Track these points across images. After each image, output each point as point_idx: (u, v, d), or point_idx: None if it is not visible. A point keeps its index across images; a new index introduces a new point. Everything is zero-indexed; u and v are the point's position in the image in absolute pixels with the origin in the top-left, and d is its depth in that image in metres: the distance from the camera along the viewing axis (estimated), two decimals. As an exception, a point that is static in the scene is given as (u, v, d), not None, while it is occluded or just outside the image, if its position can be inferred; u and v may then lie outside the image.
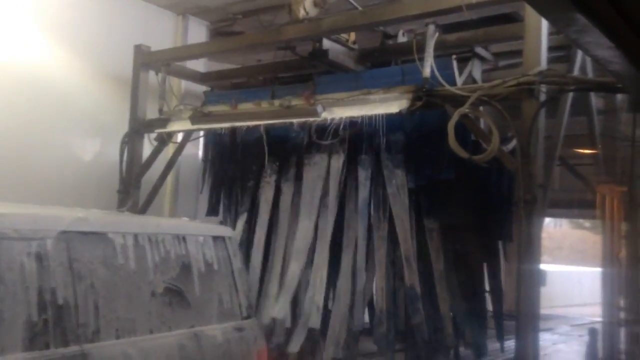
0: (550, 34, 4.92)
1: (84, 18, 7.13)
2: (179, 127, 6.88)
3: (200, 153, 8.11)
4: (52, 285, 3.14)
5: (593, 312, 11.29)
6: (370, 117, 5.46)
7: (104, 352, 3.29)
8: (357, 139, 6.19)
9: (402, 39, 6.63)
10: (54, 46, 6.85)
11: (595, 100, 6.79)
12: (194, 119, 6.59)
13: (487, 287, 6.48)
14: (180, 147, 7.35)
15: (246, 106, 6.25)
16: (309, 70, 6.80)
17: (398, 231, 5.86)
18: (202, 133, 7.50)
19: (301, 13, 5.89)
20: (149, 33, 7.77)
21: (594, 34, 2.82)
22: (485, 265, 6.33)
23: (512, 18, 6.24)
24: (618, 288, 6.94)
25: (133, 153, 7.22)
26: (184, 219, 5.38)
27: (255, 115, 6.14)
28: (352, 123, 5.75)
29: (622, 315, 6.83)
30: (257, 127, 6.27)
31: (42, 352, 3.01)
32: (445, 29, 5.56)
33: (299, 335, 6.03)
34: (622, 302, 6.92)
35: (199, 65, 8.19)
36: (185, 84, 8.25)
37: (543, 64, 4.80)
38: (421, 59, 5.24)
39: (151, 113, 7.27)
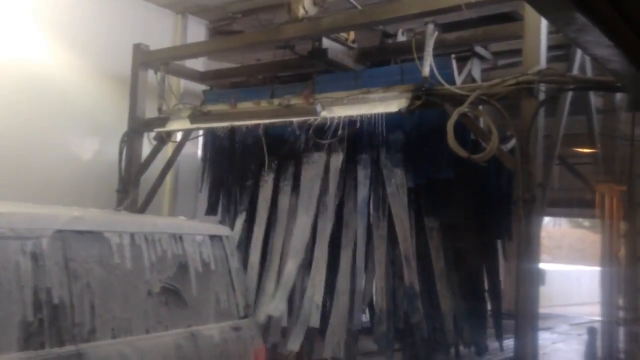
0: (549, 33, 4.92)
1: (83, 17, 7.12)
2: (178, 126, 6.88)
3: (200, 152, 8.10)
4: (48, 284, 3.12)
5: (592, 311, 11.30)
6: (369, 116, 5.46)
7: (100, 351, 3.28)
8: (357, 138, 6.19)
9: (401, 38, 6.63)
10: (53, 45, 6.85)
11: (595, 100, 6.79)
12: (193, 118, 6.58)
13: (486, 286, 6.48)
14: (180, 146, 7.35)
15: (245, 105, 6.24)
16: (308, 70, 6.80)
17: (397, 230, 5.86)
18: (201, 132, 7.50)
19: (300, 12, 5.89)
20: (148, 32, 7.76)
21: (593, 32, 2.82)
22: (484, 264, 6.33)
23: (512, 17, 6.24)
24: (617, 287, 6.95)
25: (132, 152, 7.22)
26: (181, 218, 5.36)
27: (254, 115, 6.14)
28: (351, 122, 5.75)
29: (621, 314, 6.84)
30: (256, 126, 6.27)
31: (37, 352, 2.99)
32: (445, 28, 5.56)
33: (298, 334, 6.04)
34: (621, 301, 6.92)
35: (198, 64, 8.18)
36: (184, 83, 8.25)
37: (542, 63, 4.80)
38: (420, 58, 5.23)
39: (150, 112, 7.26)
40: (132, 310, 3.54)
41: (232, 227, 6.95)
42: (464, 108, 4.82)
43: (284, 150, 6.70)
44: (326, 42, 6.04)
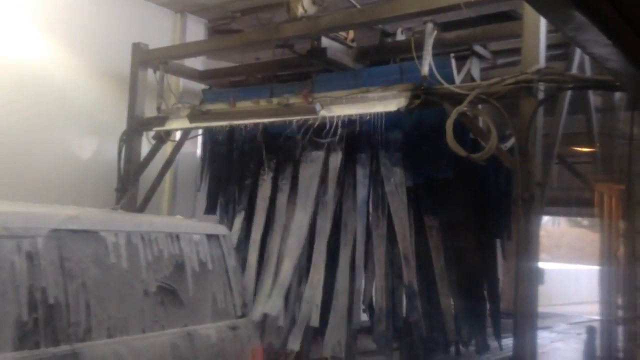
0: (548, 32, 4.92)
1: (82, 16, 7.12)
2: (177, 125, 6.88)
3: (199, 151, 8.10)
4: (43, 284, 3.10)
5: (591, 310, 11.29)
6: (368, 116, 5.46)
7: (96, 351, 3.26)
8: (356, 137, 6.19)
9: (400, 37, 6.63)
10: (52, 44, 6.84)
11: (594, 99, 6.79)
12: (192, 117, 6.58)
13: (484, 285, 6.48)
14: (179, 145, 7.35)
15: (244, 104, 6.24)
16: (307, 69, 6.80)
17: (396, 229, 5.87)
18: (200, 131, 7.50)
19: (299, 11, 5.88)
20: (147, 31, 7.75)
21: (592, 31, 2.82)
22: (483, 263, 6.34)
23: (511, 16, 6.25)
24: (616, 286, 6.95)
25: (131, 151, 7.22)
26: (178, 217, 5.34)
27: (253, 114, 6.14)
28: (350, 121, 5.75)
29: (620, 313, 6.84)
30: (255, 125, 6.27)
31: (32, 352, 2.97)
32: (444, 27, 5.56)
33: (298, 334, 6.03)
34: (619, 300, 6.92)
35: (197, 63, 8.17)
36: (183, 82, 8.24)
37: (541, 62, 4.80)
38: (420, 57, 5.23)
39: (149, 111, 7.26)
40: (128, 309, 3.51)
41: (231, 226, 6.96)
42: (463, 107, 4.82)
43: (282, 149, 6.71)
44: (325, 41, 6.04)
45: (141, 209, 7.12)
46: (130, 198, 7.06)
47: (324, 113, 5.65)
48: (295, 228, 6.34)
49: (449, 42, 5.89)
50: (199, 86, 8.10)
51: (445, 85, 5.09)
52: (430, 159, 5.83)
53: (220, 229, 4.59)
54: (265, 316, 6.13)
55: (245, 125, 6.34)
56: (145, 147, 7.29)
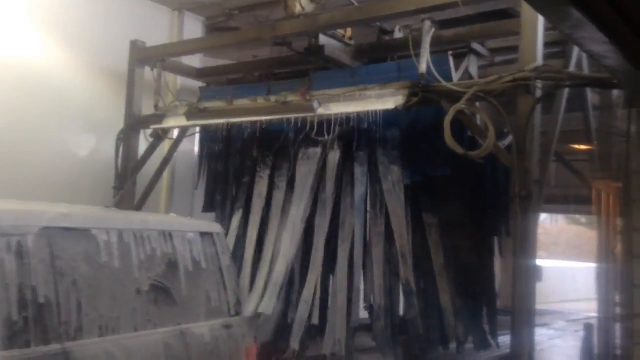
0: (546, 30, 4.92)
1: (79, 14, 7.10)
2: (174, 123, 6.87)
3: (196, 149, 8.09)
4: (33, 283, 3.07)
5: (589, 308, 11.31)
6: (366, 113, 5.46)
7: (87, 350, 3.24)
8: (353, 135, 6.19)
9: (398, 34, 6.62)
10: (50, 42, 6.82)
11: (591, 96, 6.79)
12: (189, 115, 6.57)
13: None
14: (176, 143, 7.34)
15: (242, 102, 6.24)
16: (305, 66, 6.79)
17: (394, 227, 5.88)
18: (198, 129, 7.49)
19: (297, 9, 5.88)
20: (145, 29, 7.73)
21: (589, 29, 2.82)
22: (480, 261, 6.35)
23: (509, 14, 6.24)
24: (613, 283, 6.95)
25: (129, 149, 7.21)
26: (172, 215, 5.32)
27: (251, 111, 6.13)
28: (348, 119, 5.75)
29: (618, 310, 6.85)
30: (252, 123, 6.26)
31: (22, 351, 2.95)
32: (442, 24, 5.56)
33: (298, 332, 6.03)
34: (617, 298, 6.93)
35: (194, 61, 8.16)
36: (181, 80, 8.23)
37: (539, 60, 4.81)
38: (417, 55, 5.23)
39: (147, 109, 7.25)
40: (120, 308, 3.49)
41: (228, 223, 6.96)
42: (461, 105, 4.82)
43: (280, 147, 6.70)
44: (323, 39, 6.03)
45: (139, 207, 7.11)
46: (127, 196, 7.05)
47: (321, 111, 5.65)
48: (290, 225, 6.34)
49: (447, 39, 5.89)
50: (196, 84, 8.09)
51: (443, 83, 5.09)
52: (428, 156, 5.83)
53: (214, 227, 4.56)
54: (260, 315, 6.12)
55: (243, 123, 6.34)
56: (142, 145, 7.28)
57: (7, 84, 6.41)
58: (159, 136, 7.12)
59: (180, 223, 4.37)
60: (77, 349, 3.19)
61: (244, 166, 7.09)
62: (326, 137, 6.14)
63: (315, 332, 6.24)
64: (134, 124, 7.22)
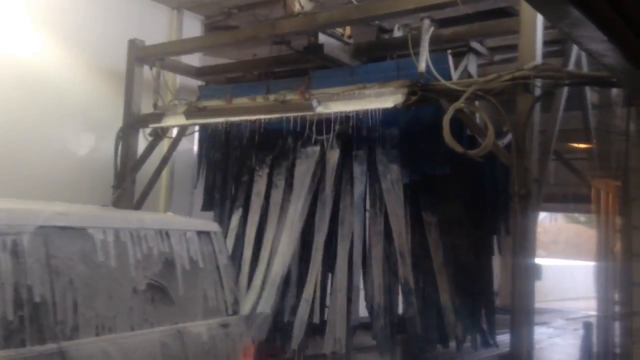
0: (545, 28, 4.92)
1: (78, 12, 7.09)
2: (173, 122, 6.86)
3: (195, 148, 8.09)
4: (29, 282, 3.05)
5: (588, 306, 11.32)
6: (365, 112, 5.45)
7: (83, 349, 3.22)
8: (352, 134, 6.19)
9: (397, 33, 6.62)
10: (48, 41, 6.81)
11: (590, 95, 6.79)
12: (188, 114, 6.57)
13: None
14: (175, 142, 7.33)
15: (241, 101, 6.23)
16: (304, 65, 6.78)
17: (392, 226, 5.88)
18: (197, 128, 7.48)
19: (296, 7, 5.88)
20: (144, 27, 7.73)
21: (587, 27, 2.82)
22: (479, 259, 6.35)
23: (508, 12, 6.24)
24: (613, 282, 6.95)
25: (127, 148, 7.20)
26: (169, 214, 5.30)
27: (250, 110, 6.13)
28: (347, 118, 5.74)
29: (617, 309, 6.85)
30: (252, 121, 6.25)
31: (18, 350, 2.93)
32: (441, 23, 5.56)
33: (299, 332, 6.03)
34: (616, 296, 6.93)
35: (193, 59, 8.16)
36: (180, 79, 8.22)
37: (538, 59, 4.81)
38: (417, 54, 5.22)
39: (146, 108, 7.24)
40: (117, 307, 3.48)
41: (228, 222, 6.96)
42: (460, 103, 4.81)
43: (279, 146, 6.70)
44: (322, 38, 6.02)
45: (138, 206, 7.11)
46: (126, 195, 7.05)
47: (320, 110, 5.65)
48: (289, 224, 6.34)
49: (446, 38, 5.88)
50: (195, 83, 8.08)
51: (442, 81, 5.09)
52: (427, 155, 5.83)
53: (212, 226, 4.55)
54: (257, 313, 6.12)
55: (242, 122, 6.34)
56: (142, 143, 7.28)
57: (6, 83, 6.40)
58: (158, 135, 7.12)
59: (177, 222, 4.36)
60: (73, 348, 3.18)
61: (243, 165, 7.08)
62: (325, 135, 6.14)
63: (315, 330, 6.24)
64: (132, 122, 7.21)
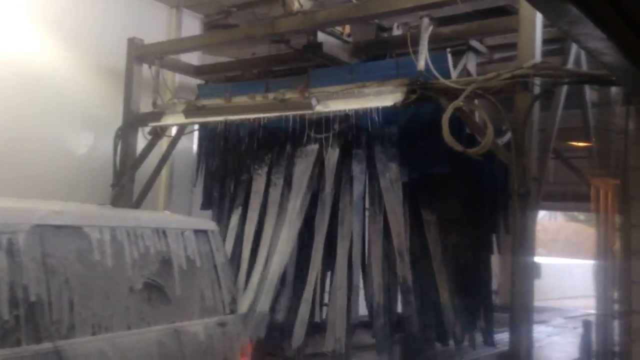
0: (544, 26, 4.92)
1: (77, 11, 7.09)
2: (172, 120, 6.86)
3: (195, 147, 8.08)
4: (25, 281, 3.04)
5: (587, 305, 11.34)
6: (364, 111, 5.45)
7: (79, 349, 3.21)
8: (352, 133, 6.18)
9: (396, 32, 6.61)
10: (47, 40, 6.81)
11: (590, 93, 6.79)
12: (187, 113, 6.56)
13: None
14: (174, 140, 7.33)
15: (240, 99, 6.23)
16: (303, 64, 6.78)
17: (391, 225, 5.87)
18: (196, 126, 7.48)
19: (295, 6, 5.87)
20: (143, 26, 7.72)
21: (586, 25, 2.81)
22: (478, 258, 6.35)
23: (507, 11, 6.24)
24: (612, 280, 6.96)
25: (127, 147, 7.20)
26: (165, 213, 5.29)
27: (249, 109, 6.12)
28: (346, 116, 5.74)
29: (616, 307, 6.86)
30: (251, 119, 6.25)
31: (13, 350, 2.93)
32: (440, 21, 5.56)
33: (300, 331, 6.03)
34: (615, 295, 6.94)
35: (193, 58, 8.15)
36: (179, 78, 8.22)
37: (537, 57, 4.81)
38: (416, 52, 5.22)
39: (145, 106, 7.24)
40: (113, 306, 3.46)
41: (227, 221, 6.95)
42: (459, 102, 4.81)
43: (278, 144, 6.70)
44: (321, 36, 6.02)
45: (137, 204, 7.10)
46: (125, 193, 7.04)
47: (320, 108, 5.64)
48: (287, 223, 6.34)
49: (445, 36, 5.88)
50: (194, 81, 8.07)
51: (442, 80, 5.09)
52: (426, 154, 5.82)
53: (209, 225, 4.53)
54: (254, 312, 6.12)
55: (241, 121, 6.33)
56: (141, 142, 7.28)
57: (5, 82, 6.40)
58: (157, 134, 7.11)
59: (174, 220, 4.35)
60: (69, 347, 3.17)
61: (242, 163, 7.08)
62: (324, 134, 6.13)
63: (314, 329, 6.24)
64: (132, 121, 7.21)
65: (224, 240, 6.63)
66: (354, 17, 5.82)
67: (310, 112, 5.70)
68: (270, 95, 5.98)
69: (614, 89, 6.65)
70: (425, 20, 5.24)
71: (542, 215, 19.44)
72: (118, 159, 7.17)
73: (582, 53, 5.89)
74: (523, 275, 4.71)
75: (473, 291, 6.27)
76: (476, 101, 5.01)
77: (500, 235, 6.48)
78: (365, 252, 6.35)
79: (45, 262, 3.16)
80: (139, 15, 7.87)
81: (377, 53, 6.58)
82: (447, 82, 5.09)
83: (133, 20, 7.71)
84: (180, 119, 6.69)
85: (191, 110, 6.53)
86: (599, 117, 6.99)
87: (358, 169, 6.15)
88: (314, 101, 5.62)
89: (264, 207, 6.68)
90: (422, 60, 5.14)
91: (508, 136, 5.08)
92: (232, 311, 4.37)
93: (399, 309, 6.17)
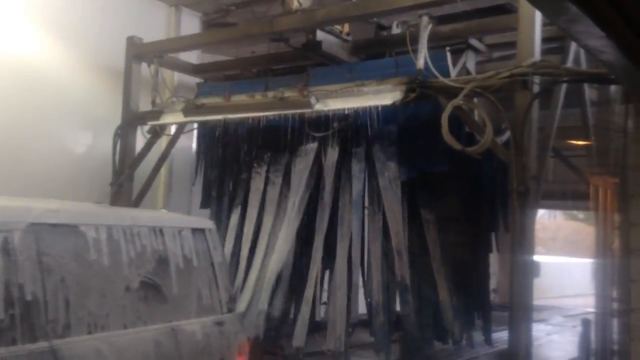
0: (544, 25, 4.92)
1: (76, 10, 7.08)
2: (171, 119, 6.85)
3: (194, 145, 8.08)
4: (20, 280, 3.02)
5: (586, 303, 11.35)
6: (363, 109, 5.45)
7: (75, 348, 3.19)
8: (351, 132, 6.18)
9: (395, 30, 6.61)
10: (46, 39, 6.80)
11: (589, 92, 6.80)
12: (186, 111, 6.56)
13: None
14: (174, 139, 7.32)
15: (239, 98, 6.22)
16: (302, 62, 6.78)
17: (389, 224, 5.87)
18: (195, 125, 7.47)
19: (294, 4, 5.86)
20: (142, 24, 7.71)
21: (585, 23, 2.81)
22: (477, 257, 6.35)
23: (506, 9, 6.24)
24: (611, 279, 6.96)
25: (126, 146, 7.19)
26: (162, 211, 5.27)
27: (248, 107, 6.12)
28: (345, 115, 5.73)
29: (615, 305, 6.86)
30: (250, 118, 6.25)
31: (9, 349, 2.91)
32: (439, 20, 5.55)
33: (301, 331, 6.03)
34: (614, 293, 6.94)
35: (192, 57, 8.14)
36: (178, 76, 8.21)
37: (537, 55, 4.80)
38: (415, 51, 5.22)
39: (144, 105, 7.23)
40: (109, 305, 3.44)
41: (226, 220, 6.95)
42: (458, 100, 4.81)
43: (277, 143, 6.69)
44: (320, 35, 6.02)
45: (136, 203, 7.10)
46: (123, 192, 7.04)
47: (319, 107, 5.64)
48: (286, 221, 6.34)
49: (445, 35, 5.88)
50: (193, 80, 8.06)
51: (441, 78, 5.08)
52: (425, 152, 5.82)
53: (206, 223, 4.50)
54: (252, 311, 6.12)
55: (240, 119, 6.32)
56: (140, 141, 7.27)
57: (4, 81, 6.39)
58: (156, 132, 7.11)
59: (171, 219, 4.32)
60: (65, 346, 3.15)
61: (242, 162, 7.08)
62: (323, 133, 6.13)
63: (313, 328, 6.24)
64: (131, 120, 7.20)
65: (224, 239, 6.64)
66: (353, 16, 5.82)
67: (309, 110, 5.69)
68: (270, 94, 5.98)
69: (613, 88, 6.65)
70: (425, 19, 5.24)
71: (542, 213, 19.47)
72: (117, 157, 7.16)
73: (582, 51, 5.89)
74: (522, 273, 4.71)
75: (472, 290, 6.27)
76: (475, 100, 5.01)
77: (500, 234, 6.48)
78: (365, 251, 6.35)
79: (41, 261, 3.14)
80: (138, 13, 7.86)
81: (376, 52, 6.58)
82: (446, 80, 5.08)
83: (132, 19, 7.70)
84: (179, 117, 6.69)
85: (190, 109, 6.52)
86: (598, 115, 6.99)
87: (357, 168, 6.15)
88: (313, 100, 5.61)
89: (263, 205, 6.68)
90: (422, 58, 5.14)
91: (507, 135, 5.08)
92: (230, 310, 4.35)
93: (398, 307, 6.17)
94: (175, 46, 7.49)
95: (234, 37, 6.84)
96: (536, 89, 4.76)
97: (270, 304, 6.18)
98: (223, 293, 4.30)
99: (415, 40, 5.25)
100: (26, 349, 2.98)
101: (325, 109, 5.61)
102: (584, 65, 6.01)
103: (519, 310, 4.68)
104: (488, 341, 6.40)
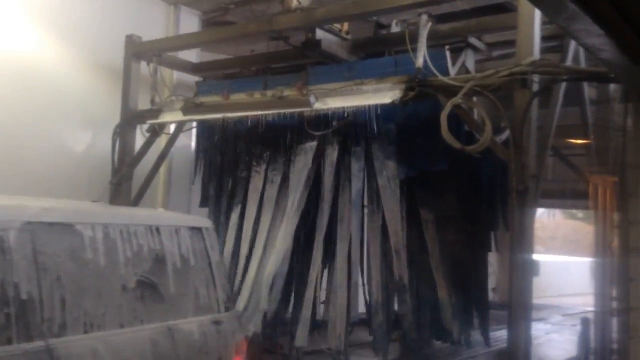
0: (543, 23, 4.91)
1: (75, 8, 7.06)
2: (171, 118, 6.85)
3: (193, 144, 8.07)
4: (15, 279, 3.00)
5: (585, 302, 11.35)
6: (363, 108, 5.44)
7: (71, 347, 3.17)
8: (350, 130, 6.18)
9: (395, 29, 6.61)
10: (45, 37, 6.79)
11: (588, 90, 6.79)
12: (186, 110, 6.55)
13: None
14: (173, 138, 7.31)
15: (238, 97, 6.22)
16: (301, 61, 6.77)
17: (388, 223, 5.87)
18: (194, 124, 7.46)
19: (294, 3, 5.86)
20: (141, 23, 7.70)
21: (584, 21, 2.81)
22: (476, 256, 6.35)
23: (505, 8, 6.23)
24: (610, 278, 6.96)
25: (125, 144, 7.18)
26: (159, 210, 5.25)
27: (247, 106, 6.11)
28: (344, 113, 5.73)
29: (614, 304, 6.86)
30: (250, 117, 6.25)
31: (4, 348, 2.89)
32: (439, 19, 5.55)
33: (302, 330, 6.03)
34: (614, 292, 6.94)
35: (191, 55, 8.13)
36: (177, 75, 8.20)
37: (536, 54, 4.80)
38: (414, 49, 5.22)
39: (143, 104, 7.22)
40: (106, 305, 3.42)
41: (226, 219, 6.95)
42: (457, 99, 4.81)
43: (276, 142, 6.69)
44: (320, 33, 6.01)
45: (135, 202, 7.10)
46: (121, 191, 7.03)
47: (318, 105, 5.63)
48: (285, 220, 6.34)
49: (444, 34, 5.88)
50: (192, 78, 8.05)
51: (440, 77, 5.08)
52: (424, 151, 5.82)
53: (204, 222, 4.48)
54: (250, 309, 6.12)
55: (240, 118, 6.32)
56: (139, 140, 7.26)
57: (3, 79, 6.38)
58: (155, 131, 7.10)
59: (168, 218, 4.30)
60: (61, 346, 3.13)
61: (241, 161, 7.07)
62: (323, 131, 6.13)
63: (312, 326, 6.24)
64: (130, 118, 7.19)
65: (224, 238, 6.64)
66: (353, 14, 5.81)
67: (308, 109, 5.69)
68: (269, 93, 5.97)
69: (612, 86, 6.65)
70: (424, 18, 5.24)
71: (541, 212, 19.46)
72: (116, 156, 7.16)
73: (581, 50, 5.89)
74: (521, 272, 4.71)
75: (470, 289, 6.27)
76: (475, 98, 5.00)
77: (499, 233, 6.48)
78: (364, 250, 6.35)
79: (37, 260, 3.12)
80: (136, 12, 7.84)
81: (375, 50, 6.58)
82: (445, 79, 5.08)
83: (131, 18, 7.69)
84: (179, 116, 6.68)
85: (189, 107, 6.51)
86: (597, 114, 6.99)
87: (356, 167, 6.15)
88: (312, 98, 5.61)
89: (262, 204, 6.68)
90: (421, 57, 5.14)
91: (506, 133, 5.07)
92: (227, 309, 4.33)
93: (396, 306, 6.18)
94: (174, 45, 7.49)
95: (233, 35, 6.83)
96: (535, 87, 4.76)
97: (268, 302, 6.18)
98: (220, 292, 4.29)
99: (414, 38, 5.24)
100: (22, 349, 2.96)
101: (325, 107, 5.61)
102: (583, 64, 6.01)
103: (518, 309, 4.68)
104: (486, 340, 6.40)
